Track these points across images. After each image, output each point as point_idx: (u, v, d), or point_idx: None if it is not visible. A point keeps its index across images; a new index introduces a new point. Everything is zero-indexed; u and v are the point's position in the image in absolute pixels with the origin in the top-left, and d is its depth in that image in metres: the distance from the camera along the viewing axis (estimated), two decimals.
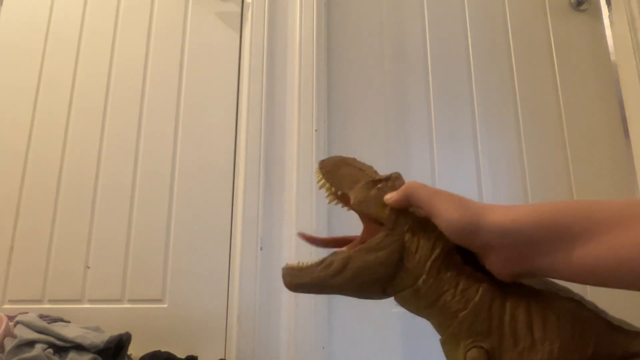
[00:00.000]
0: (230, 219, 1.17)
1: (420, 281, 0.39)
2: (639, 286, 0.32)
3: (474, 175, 1.29)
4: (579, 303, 0.38)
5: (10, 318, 0.96)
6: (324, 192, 0.45)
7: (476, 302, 0.37)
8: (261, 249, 1.12)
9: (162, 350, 1.02)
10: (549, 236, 0.34)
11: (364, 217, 0.44)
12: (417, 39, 1.37)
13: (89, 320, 1.06)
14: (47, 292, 1.13)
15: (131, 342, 0.97)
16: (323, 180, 0.45)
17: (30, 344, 0.88)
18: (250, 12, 1.28)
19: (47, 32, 1.31)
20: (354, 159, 0.46)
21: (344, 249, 0.42)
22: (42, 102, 1.26)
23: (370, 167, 0.46)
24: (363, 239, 0.43)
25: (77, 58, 1.29)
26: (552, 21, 1.42)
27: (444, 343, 0.40)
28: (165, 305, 1.13)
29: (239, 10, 1.31)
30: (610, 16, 1.41)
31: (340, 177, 0.44)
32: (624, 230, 0.31)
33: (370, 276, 0.40)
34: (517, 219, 0.35)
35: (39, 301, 1.13)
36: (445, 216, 0.37)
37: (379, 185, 0.43)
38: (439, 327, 0.40)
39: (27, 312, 0.98)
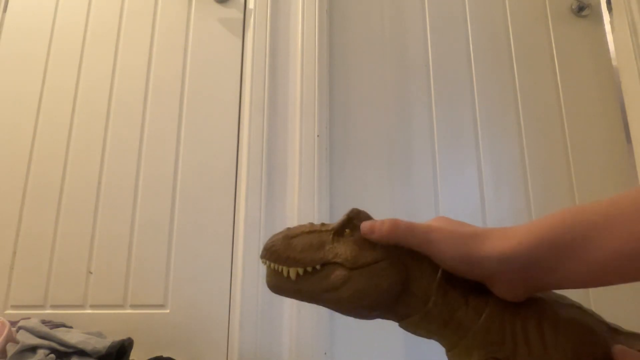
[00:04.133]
0: (232, 224, 1.17)
1: (430, 303, 0.38)
2: None
3: (476, 181, 1.29)
4: (581, 309, 0.38)
5: (13, 323, 0.96)
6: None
7: (488, 313, 0.37)
8: None
9: (164, 355, 1.02)
10: (551, 253, 0.34)
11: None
12: (418, 45, 1.37)
13: (91, 325, 1.06)
14: (49, 297, 1.13)
15: (133, 348, 0.98)
16: (293, 267, 0.37)
17: (33, 349, 0.88)
18: (252, 18, 1.29)
19: (51, 39, 1.32)
20: (287, 228, 0.39)
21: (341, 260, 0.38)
22: (45, 108, 1.26)
23: (308, 224, 0.40)
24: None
25: (80, 64, 1.30)
26: (553, 27, 1.42)
27: (453, 355, 0.39)
28: (168, 311, 1.13)
29: (242, 16, 1.32)
30: (611, 21, 1.42)
31: (300, 250, 0.37)
32: (620, 227, 0.32)
33: (368, 300, 0.37)
34: (515, 244, 0.35)
35: (42, 307, 1.13)
36: (446, 256, 0.37)
37: (347, 231, 0.38)
38: (450, 344, 0.39)
39: (29, 318, 0.98)
